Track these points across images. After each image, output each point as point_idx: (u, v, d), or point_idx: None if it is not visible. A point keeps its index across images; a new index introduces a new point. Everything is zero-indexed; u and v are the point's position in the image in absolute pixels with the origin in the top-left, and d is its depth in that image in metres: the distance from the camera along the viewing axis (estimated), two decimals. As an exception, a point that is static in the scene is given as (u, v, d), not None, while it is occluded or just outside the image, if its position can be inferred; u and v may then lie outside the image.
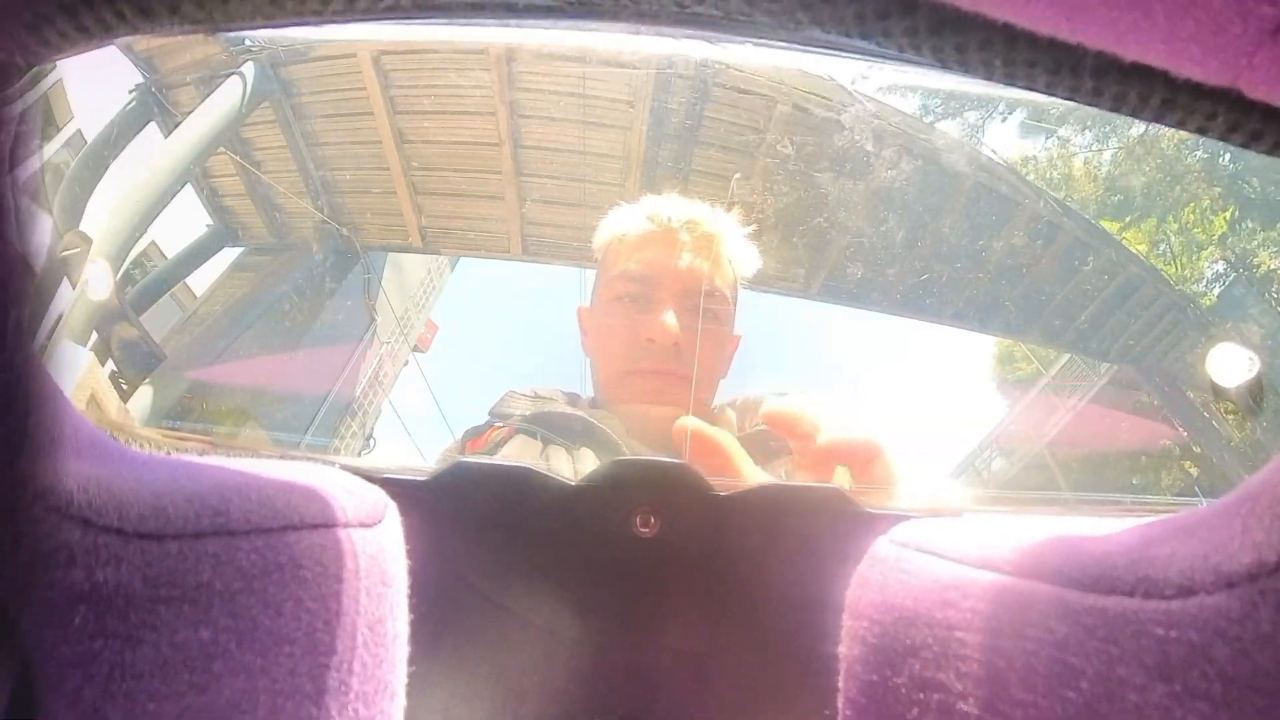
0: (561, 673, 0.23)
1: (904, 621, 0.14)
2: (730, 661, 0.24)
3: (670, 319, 0.38)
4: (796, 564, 0.23)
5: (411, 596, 0.17)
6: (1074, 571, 0.12)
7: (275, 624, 0.13)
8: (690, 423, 0.24)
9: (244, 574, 0.13)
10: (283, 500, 0.14)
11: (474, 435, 0.42)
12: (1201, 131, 0.08)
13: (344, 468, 0.19)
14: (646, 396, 0.38)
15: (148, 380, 2.46)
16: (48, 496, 0.10)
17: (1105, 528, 0.13)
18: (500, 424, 0.42)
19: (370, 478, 0.18)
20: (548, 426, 0.40)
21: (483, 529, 0.23)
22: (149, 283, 3.19)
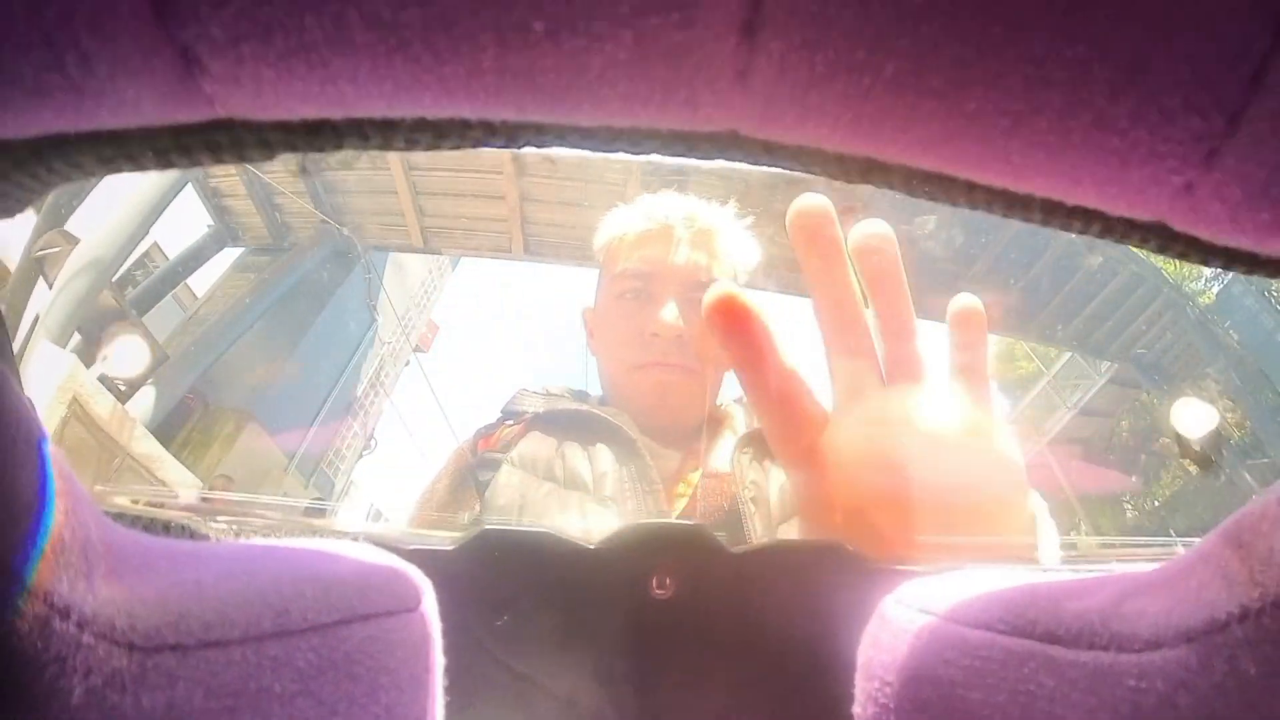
0: None
1: (912, 681, 0.15)
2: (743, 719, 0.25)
3: (671, 312, 0.38)
4: (809, 622, 0.24)
5: (447, 661, 0.18)
6: (1058, 629, 0.14)
7: None
8: (722, 289, 0.20)
9: (301, 675, 0.13)
10: (336, 592, 0.14)
11: (486, 433, 0.42)
12: (1140, 248, 0.10)
13: (370, 539, 0.20)
14: (653, 390, 0.39)
15: (150, 381, 2.45)
16: (94, 623, 0.10)
17: (1081, 580, 0.14)
18: (512, 421, 0.42)
19: (400, 550, 0.19)
20: (561, 423, 0.40)
21: (505, 598, 0.24)
22: (150, 283, 3.16)
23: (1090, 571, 0.16)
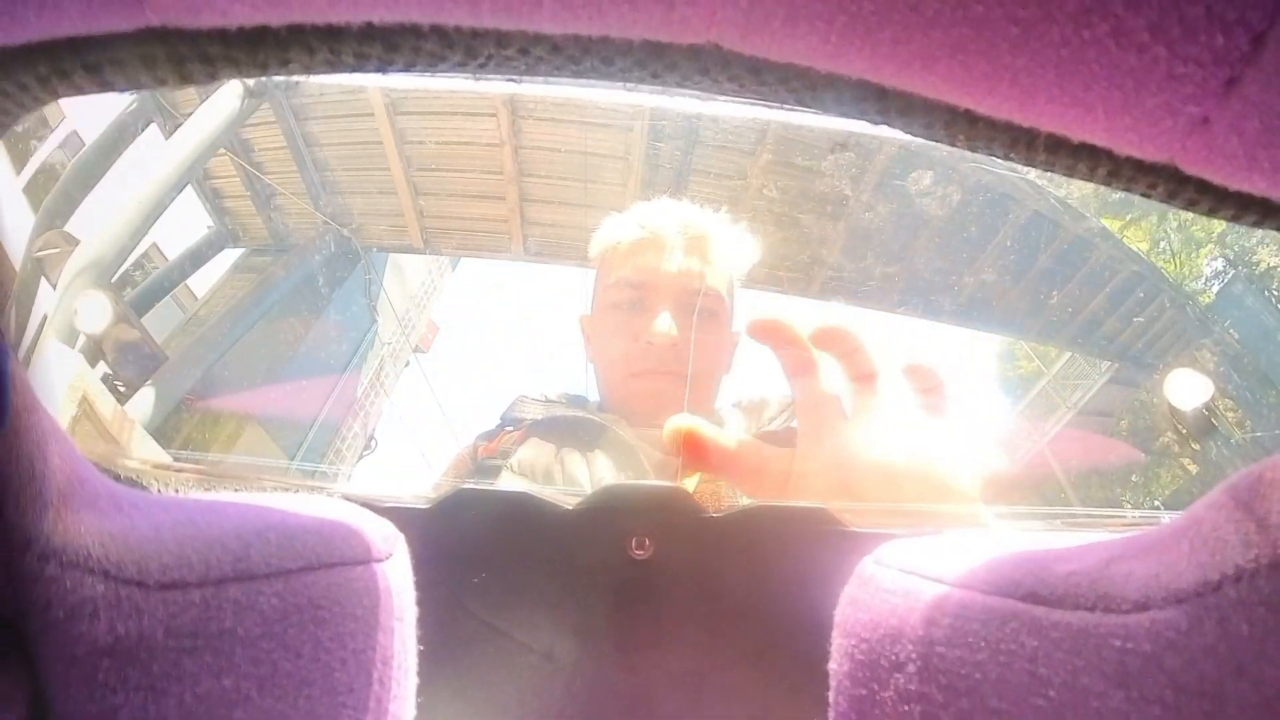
0: (560, 697, 0.23)
1: (889, 638, 0.15)
2: (725, 680, 0.25)
3: (665, 321, 0.38)
4: (786, 583, 0.24)
5: (416, 619, 0.18)
6: (1043, 590, 0.13)
7: (295, 667, 0.13)
8: (682, 421, 0.24)
9: (265, 618, 0.12)
10: (300, 540, 0.14)
11: (486, 439, 0.42)
12: (1145, 195, 0.09)
13: (347, 497, 0.19)
14: (649, 397, 0.39)
15: (149, 382, 2.45)
16: (66, 552, 0.10)
17: (1071, 546, 0.14)
18: (512, 428, 0.42)
19: (374, 507, 0.18)
20: (560, 430, 0.40)
21: (482, 556, 0.23)
22: (150, 284, 3.15)
23: (1078, 538, 0.15)
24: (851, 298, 3.27)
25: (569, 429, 0.39)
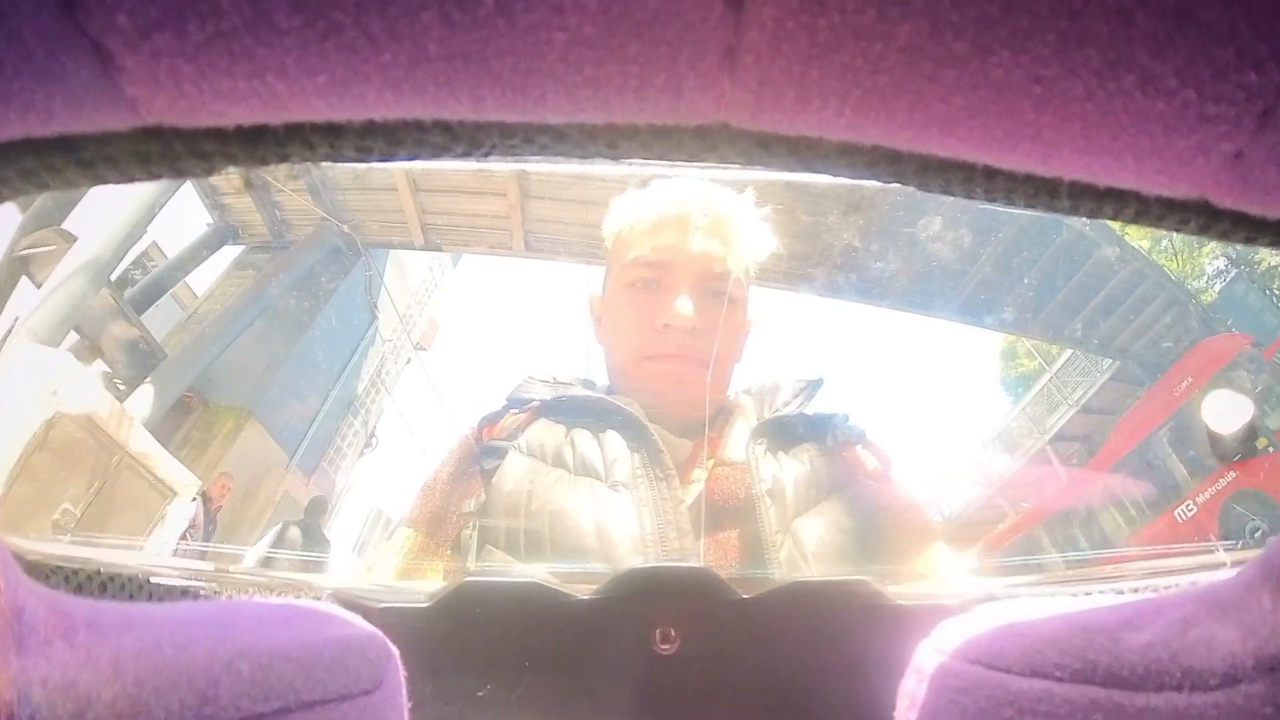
0: None
1: None
2: None
3: (685, 304, 0.37)
4: (831, 672, 0.21)
5: None
6: (1122, 670, 0.11)
7: None
8: None
9: None
10: (276, 673, 0.12)
11: (490, 421, 0.40)
12: (1177, 230, 0.09)
13: (337, 596, 0.17)
14: (664, 381, 0.38)
15: (148, 379, 2.44)
16: (9, 709, 0.08)
17: (1138, 605, 0.12)
18: (518, 409, 0.40)
19: (368, 610, 0.16)
20: (571, 409, 0.39)
21: (489, 661, 0.20)
22: (149, 282, 3.15)
23: (1135, 591, 0.14)
24: (853, 296, 3.27)
25: (580, 409, 0.37)
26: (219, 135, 0.07)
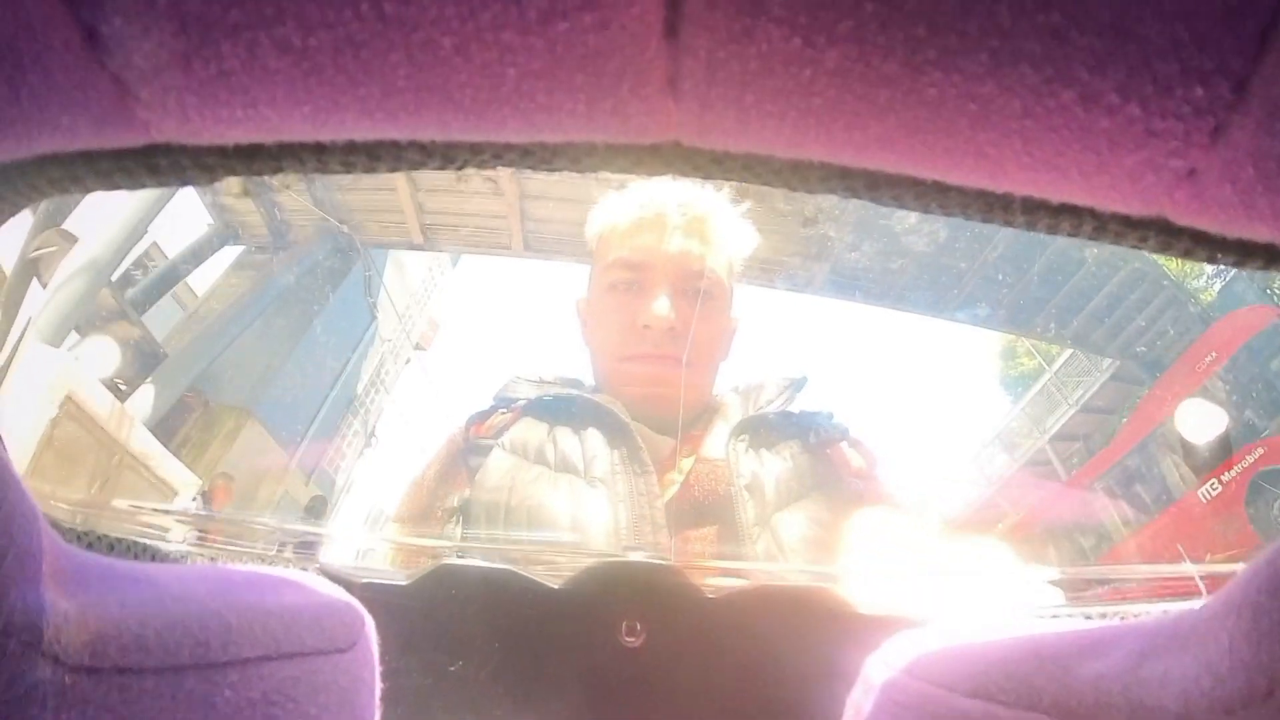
0: None
1: None
2: None
3: (663, 303, 0.37)
4: (788, 676, 0.21)
5: (384, 713, 0.16)
6: (1069, 700, 0.11)
7: None
8: None
9: (217, 711, 0.11)
10: (260, 625, 0.13)
11: (477, 420, 0.41)
12: (1138, 248, 0.08)
13: (323, 571, 0.18)
14: (645, 381, 0.38)
15: (149, 379, 2.45)
16: (25, 632, 0.09)
17: (1093, 632, 0.12)
18: (505, 408, 0.41)
19: (350, 583, 0.17)
20: (554, 409, 0.40)
21: (461, 640, 0.21)
22: (150, 282, 3.16)
23: (1094, 619, 0.14)
24: (853, 295, 3.27)
25: (563, 408, 0.38)
26: (220, 151, 0.09)
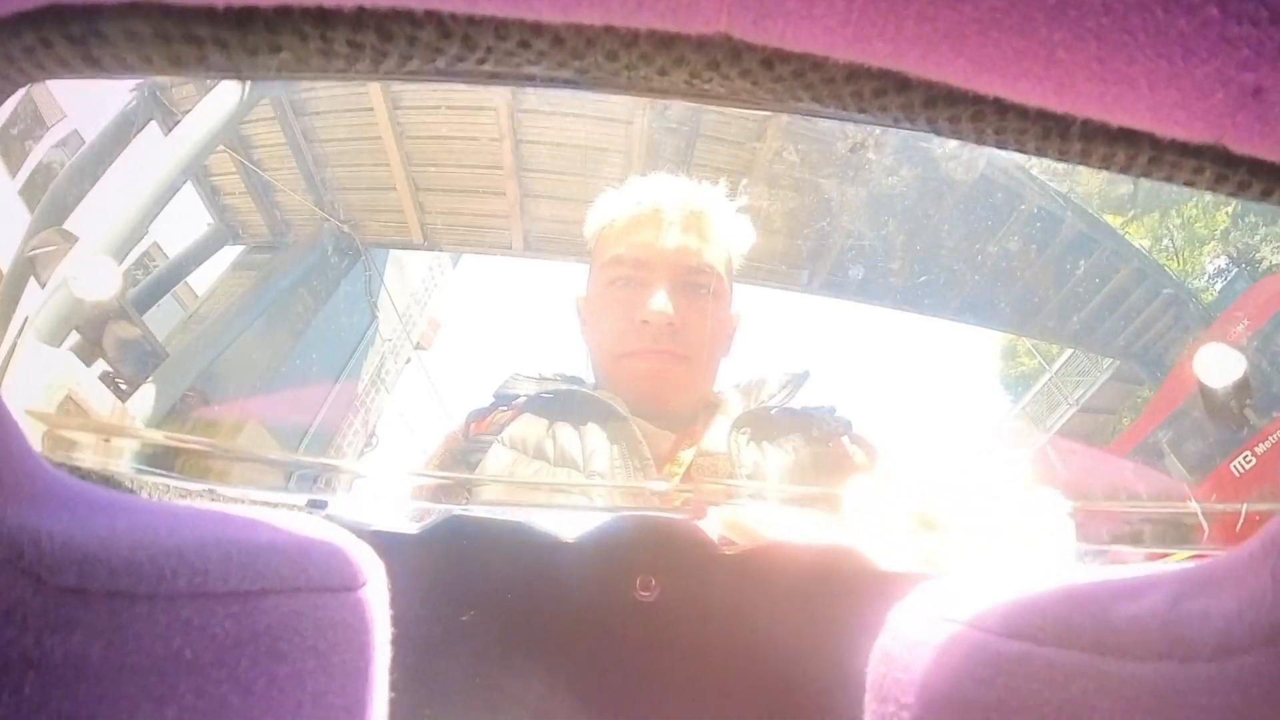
0: None
1: (935, 704, 0.12)
2: None
3: (662, 298, 0.38)
4: (809, 632, 0.20)
5: (392, 661, 0.15)
6: (1108, 637, 0.11)
7: (245, 704, 0.11)
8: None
9: (216, 644, 0.11)
10: (264, 559, 0.12)
11: (478, 417, 0.41)
12: (1189, 184, 0.08)
13: (331, 518, 0.18)
14: (644, 375, 0.38)
15: (150, 379, 2.45)
16: (2, 548, 0.09)
17: (1125, 580, 0.11)
18: (505, 405, 0.41)
19: (358, 532, 0.16)
20: (554, 405, 0.40)
21: (472, 591, 0.20)
22: (151, 282, 3.17)
23: (1128, 571, 0.13)
24: (852, 295, 3.26)
25: (563, 404, 0.38)
26: (209, 16, 0.08)
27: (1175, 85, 0.07)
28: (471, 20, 0.08)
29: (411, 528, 0.22)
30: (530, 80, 0.08)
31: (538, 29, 0.08)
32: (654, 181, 0.42)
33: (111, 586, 0.10)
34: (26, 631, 0.09)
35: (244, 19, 0.08)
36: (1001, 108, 0.08)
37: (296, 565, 0.13)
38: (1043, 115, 0.08)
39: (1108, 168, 0.08)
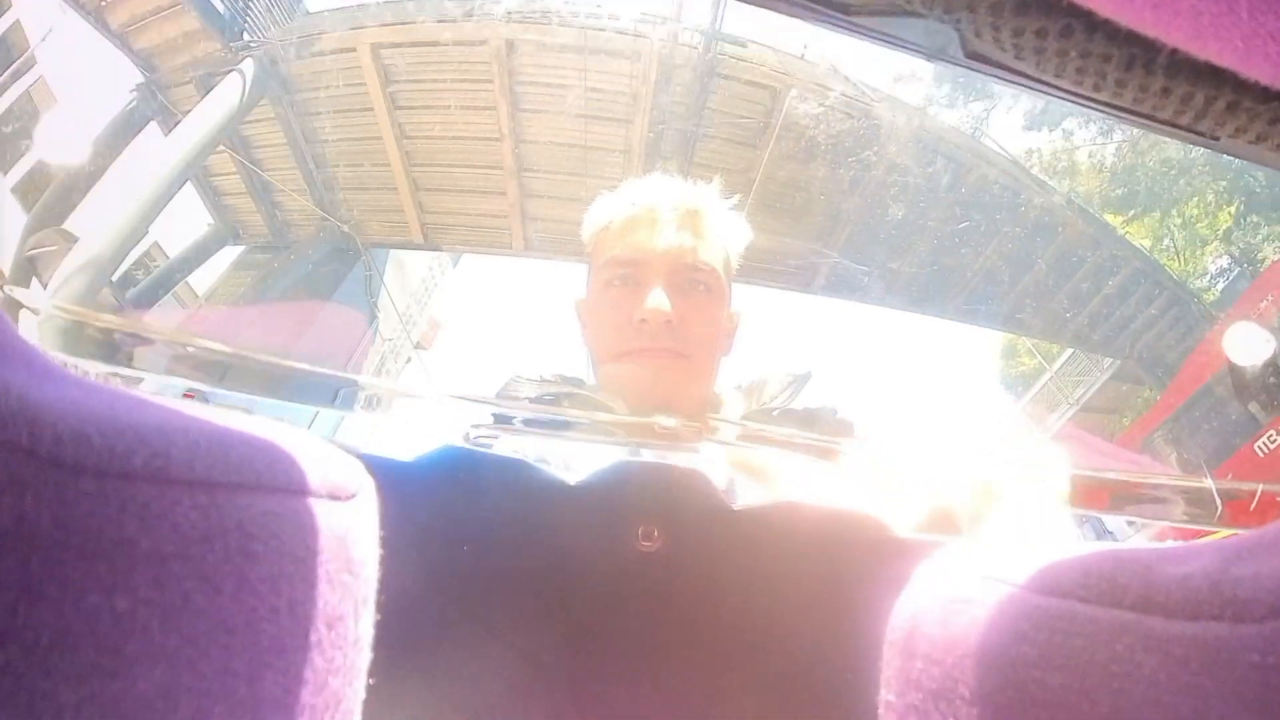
0: (540, 711, 0.19)
1: (971, 660, 0.11)
2: (737, 708, 0.20)
3: (659, 296, 0.37)
4: (820, 593, 0.19)
5: (379, 594, 0.14)
6: (1156, 596, 0.10)
7: (211, 604, 0.10)
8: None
9: (179, 534, 0.10)
10: (238, 454, 0.11)
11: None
12: (1260, 139, 0.07)
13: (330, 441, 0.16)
14: (644, 376, 0.38)
15: (150, 378, 2.43)
16: None
17: (1173, 549, 0.11)
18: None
19: (351, 450, 0.14)
20: (554, 406, 0.40)
21: (467, 526, 0.19)
22: (151, 282, 3.16)
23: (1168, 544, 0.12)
24: (853, 295, 3.26)
25: (561, 405, 0.38)
26: None
27: (1274, 10, 0.06)
28: None
29: (405, 455, 0.21)
30: None
31: None
32: (648, 183, 0.42)
33: (58, 454, 0.09)
34: None
35: None
36: (1092, 24, 0.07)
37: (275, 464, 0.12)
38: (1132, 39, 0.07)
39: (1181, 114, 0.08)
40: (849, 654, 0.16)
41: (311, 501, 0.12)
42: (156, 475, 0.10)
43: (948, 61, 0.08)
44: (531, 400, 0.39)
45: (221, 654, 0.11)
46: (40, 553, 0.08)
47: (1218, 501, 0.17)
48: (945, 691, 0.13)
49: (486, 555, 0.21)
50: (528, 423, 0.29)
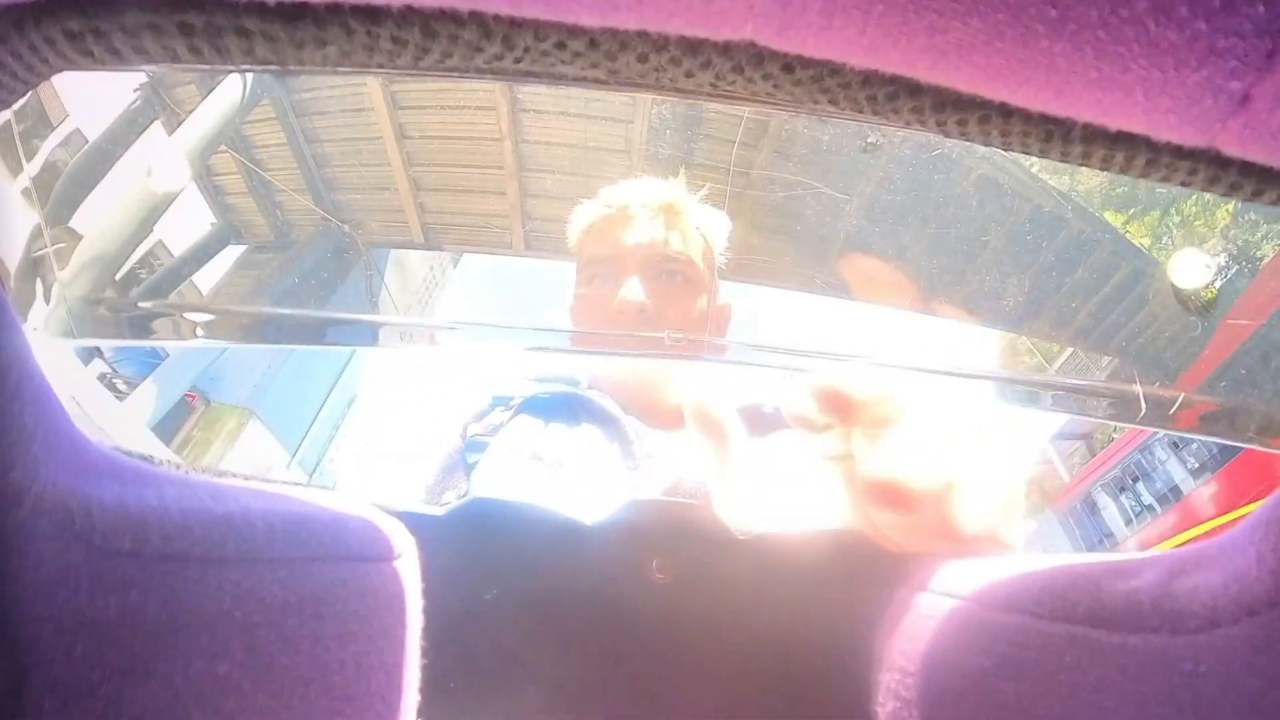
0: None
1: (936, 671, 0.13)
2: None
3: (634, 285, 0.38)
4: (821, 614, 0.22)
5: (423, 630, 0.16)
6: (1102, 611, 0.11)
7: (292, 663, 0.12)
8: (692, 398, 0.24)
9: (265, 606, 0.11)
10: (308, 529, 0.13)
11: (477, 417, 0.42)
12: (1185, 185, 0.09)
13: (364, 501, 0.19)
14: (624, 368, 0.39)
15: (150, 378, 2.47)
16: (54, 513, 0.09)
17: (1129, 561, 0.12)
18: (502, 406, 0.43)
19: (386, 509, 0.17)
20: (549, 405, 0.41)
21: (495, 571, 0.21)
22: (154, 282, 3.16)
23: (1134, 555, 0.14)
24: (852, 295, 3.26)
25: (558, 404, 0.39)
26: (260, 9, 0.08)
27: (1168, 93, 0.08)
28: (513, 21, 0.08)
29: (438, 510, 0.23)
30: (562, 79, 0.09)
31: (575, 31, 0.08)
32: (622, 184, 0.43)
33: (164, 551, 0.11)
34: (79, 594, 0.09)
35: (295, 14, 0.08)
36: (1006, 112, 0.09)
37: (337, 536, 0.14)
38: (1045, 119, 0.09)
39: (1107, 168, 0.09)
40: (852, 667, 0.18)
41: (367, 566, 0.15)
42: (245, 557, 0.12)
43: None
44: (527, 399, 0.40)
45: (301, 704, 0.13)
46: (145, 636, 0.10)
47: (1143, 403, 0.19)
48: (917, 699, 0.15)
49: (514, 594, 0.23)
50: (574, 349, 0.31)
